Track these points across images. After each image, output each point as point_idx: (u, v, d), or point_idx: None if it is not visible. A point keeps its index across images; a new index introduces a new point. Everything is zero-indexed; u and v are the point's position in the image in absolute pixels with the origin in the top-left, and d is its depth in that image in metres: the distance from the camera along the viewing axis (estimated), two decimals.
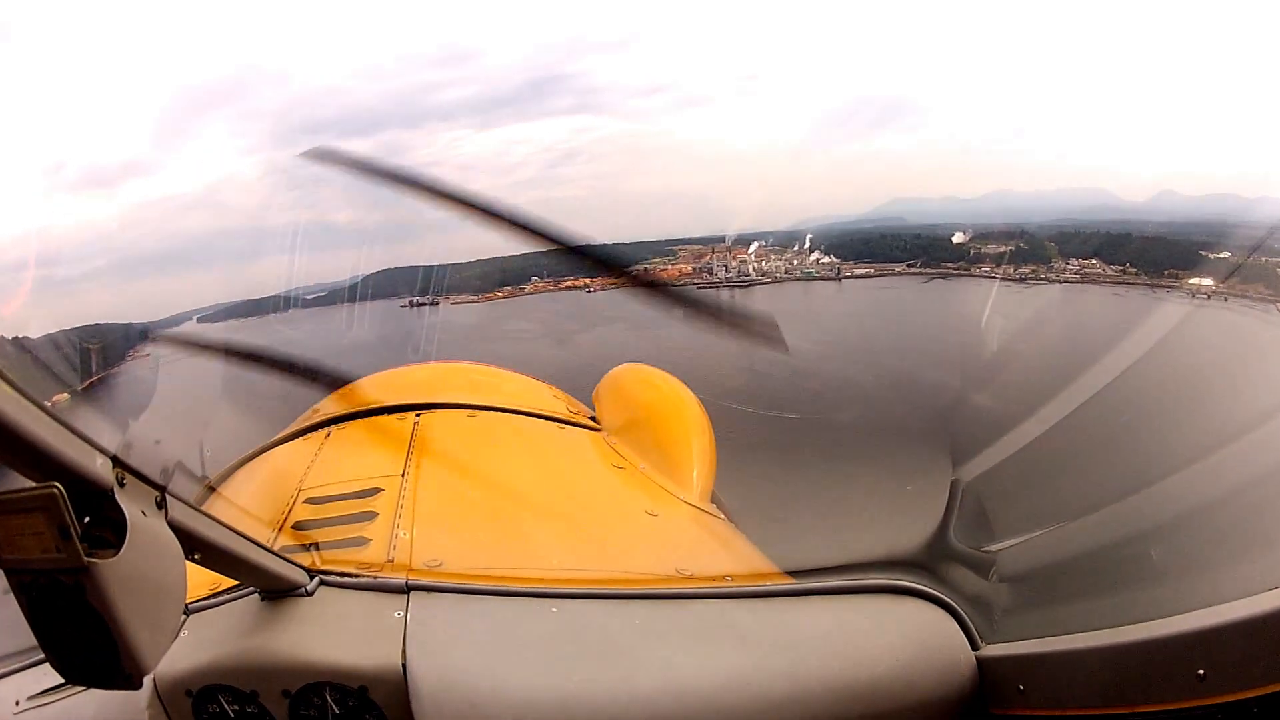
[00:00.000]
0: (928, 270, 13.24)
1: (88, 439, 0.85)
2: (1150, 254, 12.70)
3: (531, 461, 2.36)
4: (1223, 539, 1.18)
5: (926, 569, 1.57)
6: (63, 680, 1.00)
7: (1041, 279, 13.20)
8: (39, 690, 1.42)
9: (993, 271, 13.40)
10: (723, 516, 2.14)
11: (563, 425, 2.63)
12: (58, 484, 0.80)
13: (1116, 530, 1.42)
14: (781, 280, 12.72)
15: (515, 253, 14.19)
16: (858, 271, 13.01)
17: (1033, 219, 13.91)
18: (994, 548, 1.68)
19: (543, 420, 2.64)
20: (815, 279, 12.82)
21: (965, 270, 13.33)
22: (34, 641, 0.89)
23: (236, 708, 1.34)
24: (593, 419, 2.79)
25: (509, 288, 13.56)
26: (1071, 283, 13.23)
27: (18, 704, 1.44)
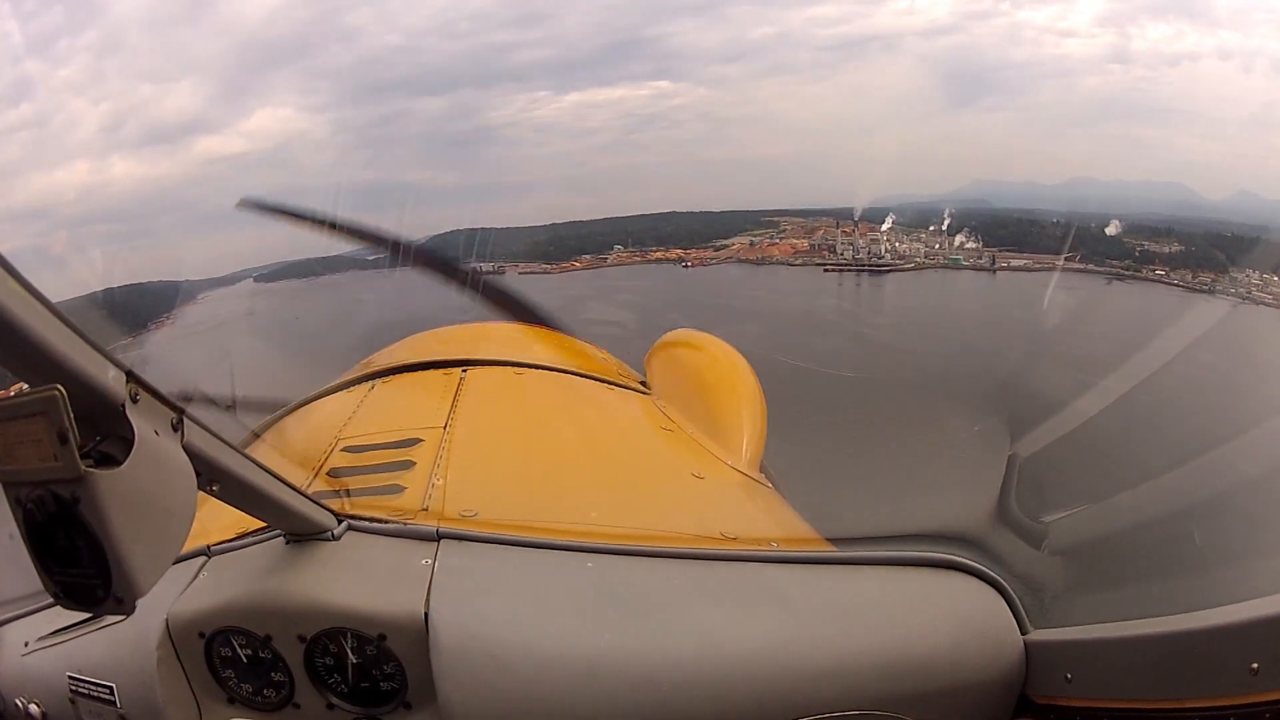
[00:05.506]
0: (1093, 268, 10.96)
1: (101, 349, 0.78)
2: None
3: (576, 419, 2.23)
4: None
5: (979, 545, 1.43)
6: (69, 623, 0.92)
7: (1229, 293, 10.94)
8: (49, 631, 1.41)
9: (1168, 276, 11.19)
10: (770, 485, 2.00)
11: (611, 386, 2.53)
12: (59, 386, 0.73)
13: (1172, 503, 1.39)
14: (924, 266, 10.58)
15: (593, 217, 12.55)
16: (1014, 263, 10.74)
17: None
18: (1048, 519, 1.63)
19: (590, 380, 2.50)
20: (964, 267, 10.64)
21: (1136, 272, 11.03)
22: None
23: (249, 652, 1.28)
24: (643, 383, 2.69)
25: (588, 256, 11.81)
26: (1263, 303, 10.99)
27: (26, 644, 1.45)
